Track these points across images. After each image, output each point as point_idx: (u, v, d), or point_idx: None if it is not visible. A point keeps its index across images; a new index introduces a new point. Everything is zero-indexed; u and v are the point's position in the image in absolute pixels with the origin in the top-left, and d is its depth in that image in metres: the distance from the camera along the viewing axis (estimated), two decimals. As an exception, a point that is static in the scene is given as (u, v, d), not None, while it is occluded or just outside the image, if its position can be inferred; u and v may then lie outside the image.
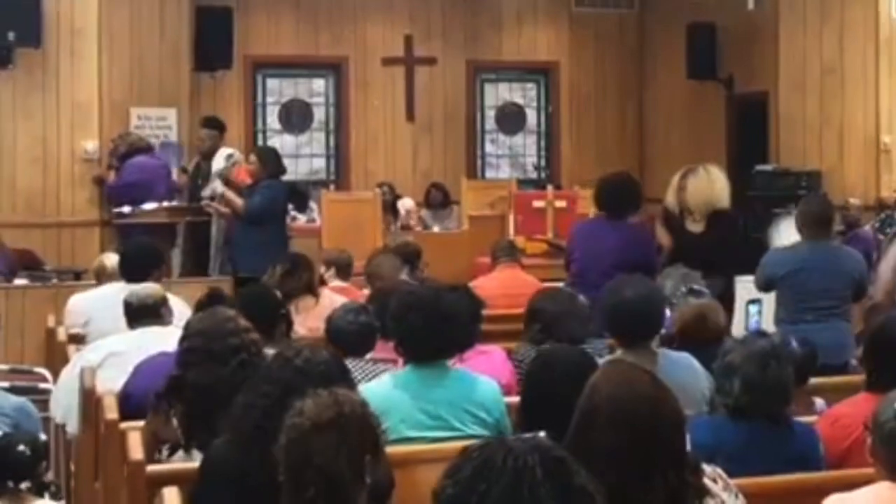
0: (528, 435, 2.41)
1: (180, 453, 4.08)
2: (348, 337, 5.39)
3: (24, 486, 3.77)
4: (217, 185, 10.31)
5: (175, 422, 4.16)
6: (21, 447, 3.73)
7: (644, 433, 2.85)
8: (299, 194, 12.08)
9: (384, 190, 12.47)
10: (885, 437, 3.47)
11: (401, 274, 7.49)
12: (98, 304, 6.87)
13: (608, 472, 2.82)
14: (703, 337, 5.19)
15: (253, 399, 3.57)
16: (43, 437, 3.96)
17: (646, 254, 7.28)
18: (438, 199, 13.13)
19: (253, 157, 10.05)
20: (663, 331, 5.25)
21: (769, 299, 7.03)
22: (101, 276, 7.86)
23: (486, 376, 4.73)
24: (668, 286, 5.95)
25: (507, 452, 2.24)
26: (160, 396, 4.27)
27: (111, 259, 8.00)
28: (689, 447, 3.06)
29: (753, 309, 6.32)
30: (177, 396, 4.19)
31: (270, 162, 9.90)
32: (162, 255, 7.35)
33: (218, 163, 10.73)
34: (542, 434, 3.79)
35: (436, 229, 12.42)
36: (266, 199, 9.62)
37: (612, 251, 7.18)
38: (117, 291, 6.49)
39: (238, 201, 9.76)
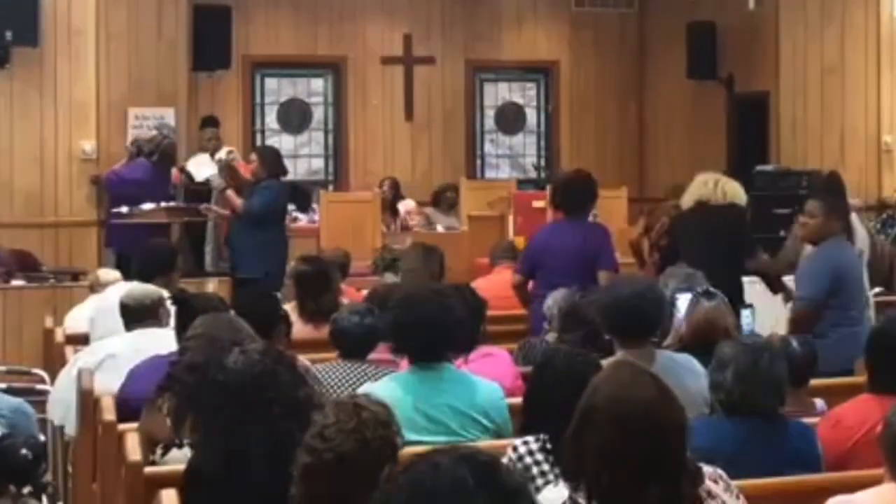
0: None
1: (174, 453, 4.04)
2: (352, 339, 5.36)
3: (26, 490, 3.74)
4: (215, 178, 10.30)
5: (168, 419, 4.14)
6: (24, 451, 3.69)
7: (639, 437, 2.82)
8: (302, 194, 12.05)
9: (384, 190, 12.44)
10: (889, 437, 3.43)
11: (428, 271, 7.34)
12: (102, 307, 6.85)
13: (601, 473, 2.81)
14: (712, 340, 5.15)
15: (212, 418, 3.51)
16: (42, 437, 3.94)
17: (604, 251, 7.47)
18: (453, 201, 12.98)
19: (254, 156, 10.03)
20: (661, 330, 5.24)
21: (761, 304, 7.04)
22: (96, 289, 7.87)
23: (490, 379, 4.70)
24: (670, 286, 5.93)
25: (434, 471, 2.18)
26: (161, 388, 4.25)
27: (106, 274, 8.00)
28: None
29: (746, 313, 6.29)
30: (173, 385, 4.17)
31: (271, 162, 9.88)
32: (176, 258, 7.38)
33: (203, 160, 10.76)
34: (542, 436, 3.79)
35: (439, 228, 12.38)
36: (265, 199, 9.60)
37: (574, 251, 7.32)
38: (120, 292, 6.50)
39: (237, 201, 9.73)
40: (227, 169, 10.30)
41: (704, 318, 5.31)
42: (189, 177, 10.95)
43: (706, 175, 7.91)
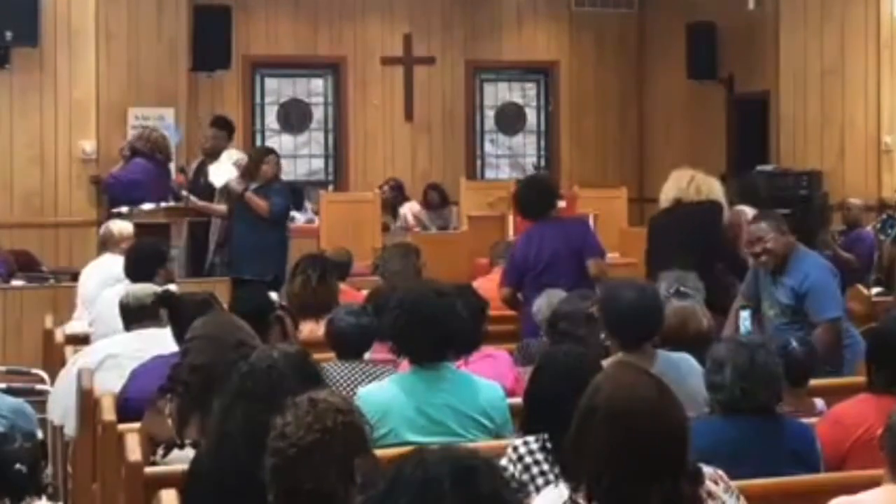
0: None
1: (175, 453, 4.04)
2: (348, 339, 5.36)
3: None
4: (232, 180, 10.24)
5: (169, 420, 4.14)
6: (18, 466, 3.59)
7: (640, 438, 2.82)
8: (295, 192, 12.05)
9: (384, 190, 12.43)
10: (890, 438, 3.43)
11: (412, 269, 7.34)
12: (102, 306, 6.85)
13: (602, 473, 2.81)
14: (684, 341, 5.13)
15: (222, 415, 3.51)
16: (39, 434, 3.89)
17: (586, 241, 7.41)
18: (436, 201, 13.09)
19: (274, 158, 9.97)
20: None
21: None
22: (109, 247, 7.88)
23: (491, 380, 4.70)
24: (662, 288, 5.91)
25: (417, 464, 2.25)
26: (162, 389, 4.24)
27: (118, 225, 8.02)
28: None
29: (744, 315, 6.24)
30: (175, 387, 4.17)
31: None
32: (165, 255, 7.33)
33: (222, 164, 10.68)
34: (542, 436, 3.79)
35: (434, 230, 12.39)
36: (284, 199, 9.69)
37: (556, 250, 7.29)
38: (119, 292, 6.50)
39: (262, 203, 9.63)
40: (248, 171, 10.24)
41: (674, 317, 5.26)
42: (207, 182, 10.88)
43: (680, 171, 7.59)
